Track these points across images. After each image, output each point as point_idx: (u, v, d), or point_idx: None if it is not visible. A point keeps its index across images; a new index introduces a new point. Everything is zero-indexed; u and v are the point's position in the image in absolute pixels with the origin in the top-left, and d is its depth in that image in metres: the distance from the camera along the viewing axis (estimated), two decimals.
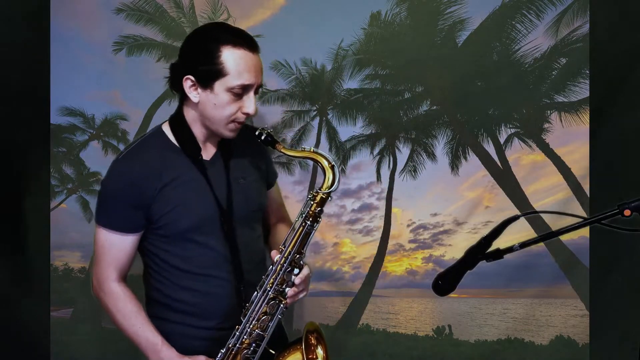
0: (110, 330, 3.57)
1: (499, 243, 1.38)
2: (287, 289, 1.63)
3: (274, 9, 3.43)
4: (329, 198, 1.64)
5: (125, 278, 1.72)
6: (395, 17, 3.43)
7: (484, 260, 1.38)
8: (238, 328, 1.62)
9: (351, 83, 3.49)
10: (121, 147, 3.59)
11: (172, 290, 1.69)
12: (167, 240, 1.65)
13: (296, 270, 1.64)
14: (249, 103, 1.59)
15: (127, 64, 3.48)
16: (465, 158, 3.51)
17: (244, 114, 1.60)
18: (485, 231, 1.38)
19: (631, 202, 1.24)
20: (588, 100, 3.26)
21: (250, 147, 1.74)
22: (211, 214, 1.65)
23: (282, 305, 1.63)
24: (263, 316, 1.62)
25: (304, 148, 1.64)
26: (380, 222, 3.56)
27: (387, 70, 3.50)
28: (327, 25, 3.39)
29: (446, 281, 1.42)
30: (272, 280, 1.62)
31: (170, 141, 1.67)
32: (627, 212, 1.24)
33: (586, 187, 3.25)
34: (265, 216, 1.88)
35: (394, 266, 3.57)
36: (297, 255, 1.63)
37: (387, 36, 3.44)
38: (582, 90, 3.31)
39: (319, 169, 1.66)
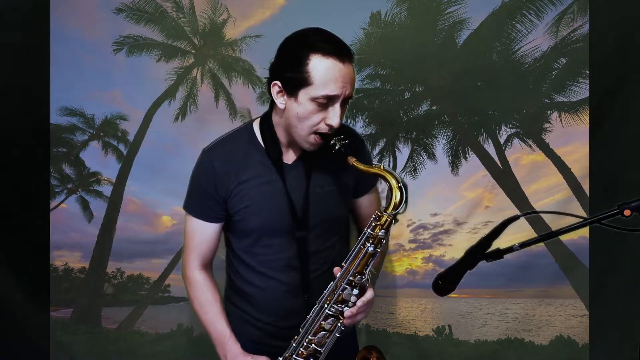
0: (110, 330, 3.58)
1: (499, 243, 1.38)
2: (346, 308, 1.58)
3: (274, 9, 3.43)
4: (395, 221, 1.59)
5: (208, 267, 1.76)
6: (395, 17, 3.43)
7: (484, 260, 1.38)
8: (296, 339, 1.62)
9: None
10: (121, 147, 3.59)
11: (239, 280, 1.74)
12: (239, 233, 1.70)
13: (355, 291, 1.58)
14: (333, 115, 1.55)
15: (127, 64, 3.48)
16: (465, 158, 3.51)
17: (327, 125, 1.56)
18: (485, 231, 1.38)
19: (631, 202, 1.24)
20: (588, 100, 3.26)
21: (336, 157, 1.65)
22: (282, 218, 1.65)
23: (339, 324, 1.59)
24: (320, 331, 1.60)
25: (375, 165, 1.60)
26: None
27: (387, 70, 3.50)
28: (327, 25, 3.38)
29: (446, 281, 1.42)
30: (329, 298, 1.60)
31: (257, 139, 1.67)
32: (627, 212, 1.24)
33: (586, 187, 3.25)
34: (358, 221, 1.87)
35: (394, 266, 3.57)
36: (358, 276, 1.59)
37: (387, 36, 3.44)
38: (582, 90, 3.31)
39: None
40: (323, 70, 1.52)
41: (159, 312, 3.63)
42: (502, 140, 3.49)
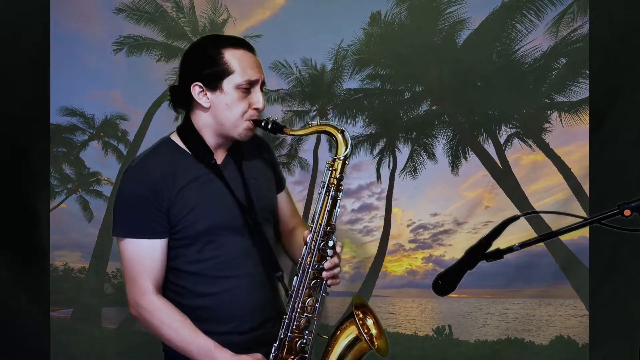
0: (110, 330, 3.57)
1: (499, 243, 1.38)
2: (325, 263, 1.64)
3: (274, 9, 3.43)
4: (346, 163, 1.66)
5: (161, 290, 1.66)
6: (395, 17, 3.43)
7: (484, 260, 1.38)
8: (285, 317, 1.63)
9: (351, 83, 3.49)
10: (121, 147, 3.59)
11: (188, 298, 1.67)
12: (183, 243, 1.65)
13: (330, 243, 1.64)
14: (257, 98, 1.65)
15: (127, 64, 3.48)
16: (465, 158, 3.51)
17: (254, 109, 1.65)
18: (485, 231, 1.38)
19: (631, 202, 1.24)
20: (588, 100, 3.26)
21: (257, 153, 1.79)
22: (231, 213, 1.67)
23: (324, 283, 1.64)
24: (307, 299, 1.63)
25: (310, 124, 1.68)
26: (380, 222, 3.56)
27: (387, 70, 3.50)
28: (327, 25, 3.39)
29: (446, 281, 1.42)
30: (309, 258, 1.62)
31: (181, 148, 1.69)
32: (627, 212, 1.24)
33: (586, 187, 3.25)
34: (282, 222, 1.88)
35: (394, 266, 3.57)
36: (328, 228, 1.65)
37: (387, 36, 3.44)
38: (582, 90, 3.31)
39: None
40: (239, 59, 1.62)
41: None
42: (502, 140, 3.49)
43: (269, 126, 1.66)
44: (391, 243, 3.57)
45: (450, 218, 3.51)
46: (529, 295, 3.42)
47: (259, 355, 1.62)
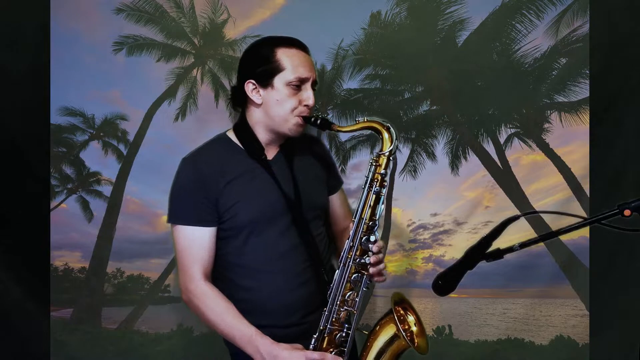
0: (110, 330, 3.58)
1: (499, 243, 1.38)
2: (368, 259, 1.64)
3: (274, 9, 3.43)
4: (391, 160, 1.67)
5: (210, 277, 1.71)
6: (395, 17, 3.43)
7: (484, 260, 1.38)
8: (325, 310, 1.64)
9: (351, 83, 3.50)
10: (121, 147, 3.59)
11: (231, 289, 1.70)
12: (228, 234, 1.69)
13: (372, 238, 1.65)
14: (308, 95, 1.67)
15: (127, 64, 3.48)
16: (465, 158, 3.52)
17: (304, 106, 1.66)
18: (485, 231, 1.38)
19: (631, 202, 1.24)
20: (588, 100, 3.26)
21: (310, 152, 1.81)
22: (277, 207, 1.69)
23: (365, 277, 1.65)
24: (348, 292, 1.64)
25: (358, 120, 1.69)
26: (380, 222, 3.55)
27: (387, 70, 3.50)
28: (327, 25, 3.39)
29: (446, 281, 1.42)
30: (350, 252, 1.63)
31: (235, 144, 1.74)
32: (627, 212, 1.24)
33: (586, 187, 3.25)
34: (334, 224, 1.90)
35: (394, 266, 3.57)
36: (370, 223, 1.66)
37: (387, 36, 3.44)
38: (582, 90, 3.31)
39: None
40: (290, 57, 1.66)
41: (159, 312, 3.63)
42: (502, 140, 3.50)
43: (318, 122, 1.67)
44: (391, 243, 3.57)
45: (450, 218, 3.52)
46: (529, 295, 3.42)
47: (299, 346, 1.64)
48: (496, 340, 3.41)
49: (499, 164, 3.49)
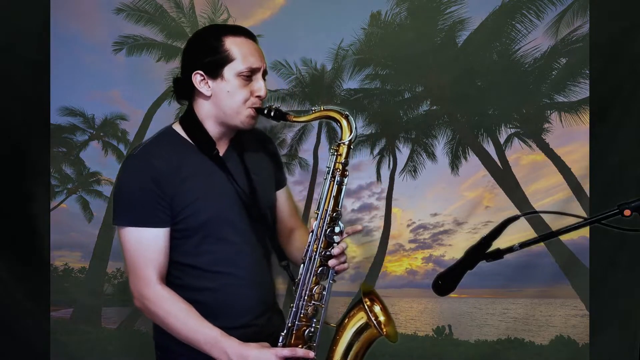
0: (110, 330, 3.57)
1: (499, 243, 1.38)
2: (333, 250, 1.61)
3: (274, 9, 3.43)
4: (351, 148, 1.64)
5: (164, 280, 1.63)
6: (395, 17, 3.43)
7: (484, 260, 1.38)
8: (292, 306, 1.62)
9: (351, 83, 3.50)
10: (121, 147, 3.59)
11: (186, 291, 1.65)
12: (183, 235, 1.63)
13: (337, 229, 1.62)
14: (259, 86, 1.62)
15: (127, 64, 3.48)
16: (465, 158, 3.52)
17: (256, 97, 1.62)
18: (485, 231, 1.38)
19: (631, 202, 1.24)
20: (588, 100, 3.26)
21: (259, 147, 1.76)
22: (234, 205, 1.64)
23: (331, 270, 1.63)
24: (315, 286, 1.61)
25: (314, 109, 1.66)
26: (380, 222, 3.56)
27: (387, 70, 3.50)
28: (327, 25, 3.39)
29: (446, 281, 1.42)
30: (315, 246, 1.61)
31: (184, 138, 1.67)
32: (627, 212, 1.24)
33: (586, 187, 3.25)
34: (280, 221, 1.86)
35: (394, 266, 3.57)
36: (334, 214, 1.62)
37: (387, 36, 3.44)
38: (582, 90, 3.31)
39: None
40: (240, 47, 1.60)
41: None
42: (502, 140, 3.50)
43: (272, 113, 1.63)
44: (391, 243, 3.57)
45: (450, 218, 3.51)
46: (529, 295, 3.42)
47: (266, 344, 1.60)
48: (496, 340, 3.41)
49: (499, 164, 3.49)
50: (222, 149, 1.69)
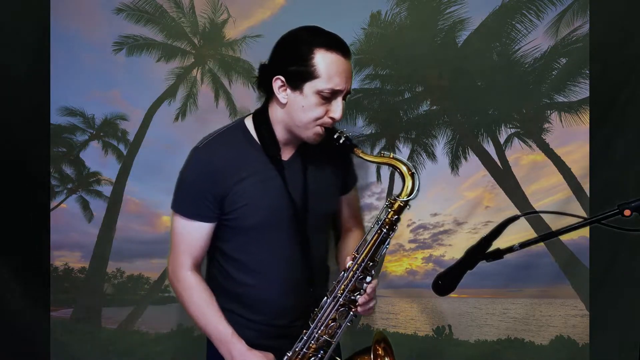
0: (110, 330, 3.57)
1: (499, 243, 1.38)
2: (358, 296, 1.61)
3: (274, 9, 3.43)
4: (408, 207, 1.61)
5: (199, 268, 1.72)
6: (395, 17, 3.43)
7: (484, 260, 1.38)
8: (306, 332, 1.62)
9: None
10: (121, 147, 3.59)
11: (229, 282, 1.72)
12: (232, 232, 1.67)
13: (368, 279, 1.62)
14: (337, 108, 1.58)
15: (127, 64, 3.48)
16: (465, 158, 3.51)
17: (330, 118, 1.59)
18: (485, 231, 1.39)
19: (631, 202, 1.24)
20: (588, 100, 3.26)
21: (329, 152, 1.72)
22: (283, 214, 1.65)
23: (351, 313, 1.62)
24: (332, 322, 1.61)
25: (383, 154, 1.62)
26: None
27: (387, 70, 3.50)
28: (327, 25, 3.38)
29: (446, 281, 1.42)
30: (343, 286, 1.61)
31: (252, 136, 1.67)
32: (627, 212, 1.24)
33: (586, 187, 3.25)
34: (340, 221, 1.87)
35: (394, 266, 3.57)
36: (370, 263, 1.62)
37: (387, 36, 3.44)
38: (582, 90, 3.31)
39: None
40: (328, 65, 1.55)
41: (159, 312, 3.63)
42: (502, 140, 3.49)
43: (341, 140, 1.60)
44: (391, 243, 3.56)
45: (450, 218, 3.51)
46: (529, 295, 3.42)
47: (270, 355, 1.64)
48: (496, 340, 3.42)
49: (499, 164, 3.49)
50: (288, 153, 1.69)
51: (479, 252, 1.38)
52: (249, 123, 1.68)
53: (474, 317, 3.59)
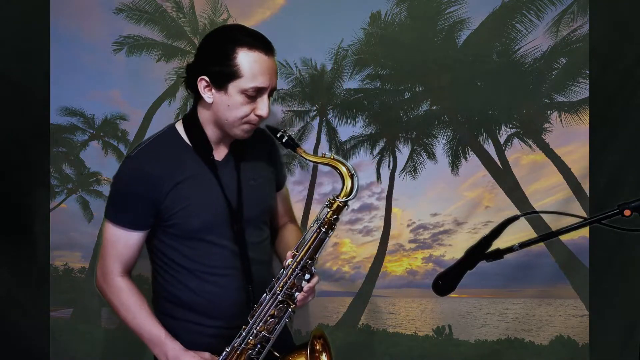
0: (110, 330, 3.57)
1: (499, 243, 1.38)
2: (297, 293, 1.63)
3: (274, 9, 3.43)
4: (346, 207, 1.62)
5: (130, 273, 1.73)
6: (395, 17, 3.43)
7: (484, 260, 1.39)
8: (244, 328, 1.63)
9: (351, 83, 3.49)
10: (121, 147, 3.59)
11: (179, 289, 1.70)
12: (176, 238, 1.66)
13: (307, 276, 1.63)
14: (263, 105, 1.60)
15: (127, 64, 3.48)
16: (465, 158, 3.51)
17: (257, 116, 1.61)
18: (485, 231, 1.39)
19: (631, 202, 1.24)
20: (588, 100, 3.26)
21: (262, 149, 1.76)
22: (221, 214, 1.66)
23: (290, 310, 1.63)
24: (270, 319, 1.63)
25: (325, 154, 1.64)
26: (380, 222, 3.55)
27: (387, 70, 3.50)
28: (327, 25, 3.39)
29: (446, 281, 1.42)
30: (282, 283, 1.62)
31: (183, 140, 1.68)
32: (627, 212, 1.24)
33: (586, 187, 3.25)
34: (274, 218, 1.88)
35: (394, 266, 3.57)
36: (309, 261, 1.64)
37: (387, 36, 3.44)
38: (582, 90, 3.31)
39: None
40: (250, 63, 1.55)
41: None
42: (502, 140, 3.49)
43: (284, 139, 1.64)
44: (391, 243, 3.56)
45: (450, 218, 3.51)
46: (529, 295, 3.42)
47: (207, 355, 1.64)
48: (496, 340, 3.42)
49: (499, 164, 3.49)
50: (221, 153, 1.70)
51: (479, 252, 1.38)
52: (179, 127, 1.69)
53: (474, 317, 3.59)
